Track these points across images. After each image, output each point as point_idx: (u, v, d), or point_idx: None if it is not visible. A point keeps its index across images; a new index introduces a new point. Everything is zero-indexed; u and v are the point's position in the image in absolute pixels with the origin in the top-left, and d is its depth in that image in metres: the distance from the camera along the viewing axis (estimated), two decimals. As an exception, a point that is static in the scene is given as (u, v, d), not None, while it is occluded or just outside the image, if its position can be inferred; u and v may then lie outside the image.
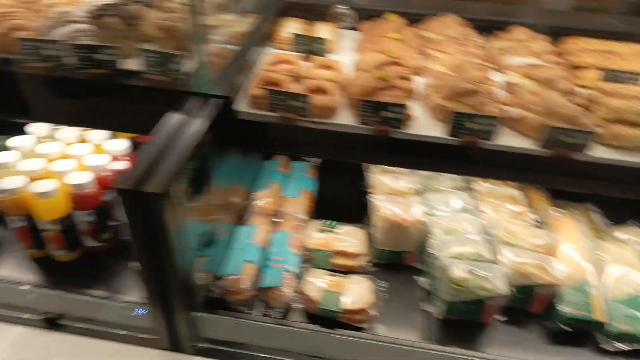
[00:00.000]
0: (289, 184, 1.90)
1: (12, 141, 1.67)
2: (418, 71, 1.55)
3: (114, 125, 1.44)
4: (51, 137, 1.75)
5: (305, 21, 1.88)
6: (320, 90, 1.39)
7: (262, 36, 1.70)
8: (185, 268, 1.18)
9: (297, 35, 1.65)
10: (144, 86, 1.32)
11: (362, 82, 1.37)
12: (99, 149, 1.70)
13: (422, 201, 1.68)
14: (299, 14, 1.93)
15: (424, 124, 1.33)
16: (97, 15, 1.33)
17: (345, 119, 1.34)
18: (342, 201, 1.93)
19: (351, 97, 1.38)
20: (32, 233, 1.57)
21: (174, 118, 1.21)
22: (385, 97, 1.33)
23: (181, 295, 1.20)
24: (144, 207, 0.96)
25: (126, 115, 1.38)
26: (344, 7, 1.94)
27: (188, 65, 1.29)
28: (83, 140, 1.76)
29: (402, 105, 1.26)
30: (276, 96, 1.30)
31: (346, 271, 1.59)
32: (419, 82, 1.49)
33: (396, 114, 1.26)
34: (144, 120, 1.34)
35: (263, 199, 1.77)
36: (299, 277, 1.54)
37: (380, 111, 1.27)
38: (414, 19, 1.84)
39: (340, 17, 1.96)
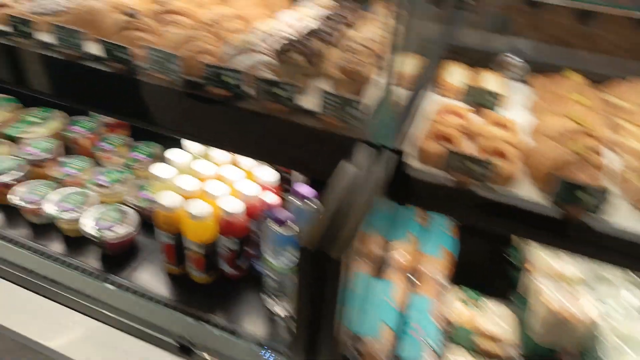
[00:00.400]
0: (427, 239, 1.78)
1: (170, 154, 1.73)
2: (609, 144, 1.37)
3: (276, 159, 1.42)
4: (205, 155, 1.78)
5: (470, 67, 1.77)
6: (498, 154, 1.26)
7: (428, 80, 1.61)
8: (336, 324, 1.10)
9: (469, 86, 1.54)
10: (314, 127, 1.27)
11: (553, 154, 1.22)
12: (249, 175, 1.70)
13: (590, 292, 1.47)
14: (463, 58, 1.82)
15: (624, 213, 1.14)
16: (282, 50, 1.31)
17: (526, 191, 1.20)
18: (483, 269, 1.76)
19: (535, 168, 1.23)
20: (176, 250, 1.60)
21: (348, 169, 1.14)
22: (580, 175, 1.17)
23: (327, 353, 1.12)
24: (322, 268, 0.90)
25: (290, 151, 1.35)
26: (515, 58, 1.79)
27: (365, 111, 1.22)
28: (234, 163, 1.77)
29: (604, 190, 1.09)
30: (455, 156, 1.19)
31: (489, 357, 1.42)
32: (610, 158, 1.30)
33: (595, 198, 1.10)
34: (309, 159, 1.29)
35: (400, 252, 1.66)
36: (439, 354, 1.39)
37: (576, 192, 1.11)
38: (594, 79, 1.64)
39: (508, 67, 1.81)
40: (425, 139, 1.29)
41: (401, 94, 1.42)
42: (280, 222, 1.47)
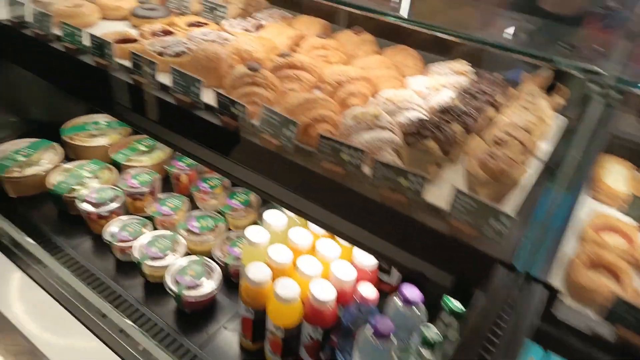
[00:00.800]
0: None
1: (267, 215, 1.58)
2: None
3: (385, 256, 1.21)
4: (304, 223, 1.62)
5: (635, 167, 1.44)
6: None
7: (582, 178, 1.32)
8: None
9: (634, 196, 1.23)
10: (438, 229, 1.05)
11: None
12: (347, 253, 1.51)
13: None
14: (627, 153, 1.49)
15: None
16: (412, 132, 1.11)
17: None
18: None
19: None
20: (254, 326, 1.44)
21: (481, 300, 0.90)
22: None
23: None
24: None
25: (402, 251, 1.13)
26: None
27: (509, 225, 0.98)
28: (332, 236, 1.59)
29: None
30: (623, 306, 0.91)
31: None
32: None
33: None
34: (423, 266, 1.07)
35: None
36: None
37: None
38: None
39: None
40: (579, 266, 1.01)
41: (552, 197, 1.16)
42: (381, 334, 1.24)
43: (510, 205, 1.08)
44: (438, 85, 1.48)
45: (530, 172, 1.15)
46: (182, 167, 2.17)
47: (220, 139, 1.38)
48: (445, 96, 1.41)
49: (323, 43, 1.71)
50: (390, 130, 1.20)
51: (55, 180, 2.05)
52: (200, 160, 1.48)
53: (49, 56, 1.76)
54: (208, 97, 1.40)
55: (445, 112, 1.20)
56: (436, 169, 1.13)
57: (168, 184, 2.22)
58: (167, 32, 1.79)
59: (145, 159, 2.24)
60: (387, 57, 1.71)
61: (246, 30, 1.86)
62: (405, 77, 1.59)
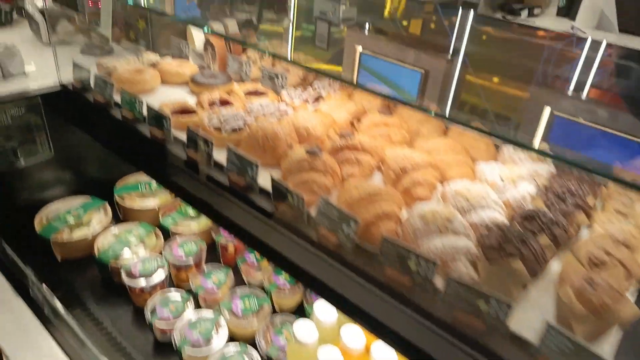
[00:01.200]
0: None
1: (317, 307, 1.45)
2: None
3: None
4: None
5: None
6: None
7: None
8: None
9: None
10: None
11: None
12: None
13: None
14: None
15: None
16: (493, 246, 0.97)
17: None
18: None
19: None
20: None
21: None
22: None
23: None
24: None
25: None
26: None
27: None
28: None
29: None
30: None
31: None
32: None
33: None
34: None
35: None
36: None
37: None
38: None
39: None
40: None
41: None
42: None
43: (608, 343, 0.90)
44: (515, 176, 1.33)
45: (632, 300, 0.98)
46: (230, 237, 2.09)
47: (272, 227, 1.28)
48: (525, 191, 1.25)
49: (384, 120, 1.61)
50: (466, 236, 1.06)
51: (102, 245, 2.01)
52: (248, 243, 1.38)
53: (107, 122, 1.75)
54: (264, 177, 1.32)
55: (530, 219, 1.05)
56: (521, 290, 0.97)
57: (214, 251, 2.14)
58: (225, 102, 1.75)
59: (194, 224, 2.18)
60: (454, 136, 1.59)
61: (305, 101, 1.80)
62: (475, 162, 1.46)
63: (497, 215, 1.16)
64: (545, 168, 1.41)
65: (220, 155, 1.41)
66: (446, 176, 1.39)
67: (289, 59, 2.01)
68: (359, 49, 1.70)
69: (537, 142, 1.17)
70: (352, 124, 1.70)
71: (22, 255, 1.87)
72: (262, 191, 1.32)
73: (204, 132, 1.50)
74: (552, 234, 1.03)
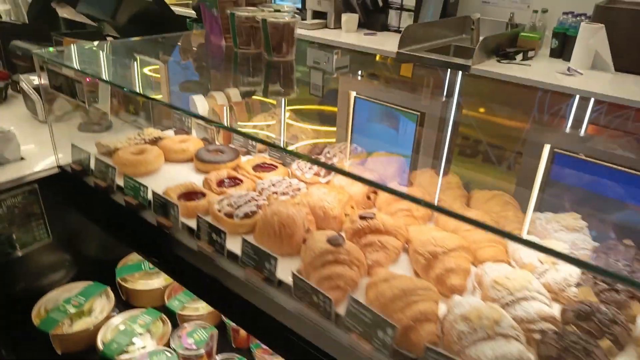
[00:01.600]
0: None
1: None
2: None
3: None
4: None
5: None
6: None
7: None
8: None
9: None
10: None
11: None
12: None
13: None
14: None
15: None
16: (550, 356, 0.86)
17: None
18: None
19: None
20: None
21: None
22: None
23: None
24: None
25: None
26: None
27: None
28: None
29: None
30: None
31: None
32: None
33: None
34: None
35: None
36: None
37: None
38: None
39: None
40: None
41: None
42: None
43: None
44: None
45: None
46: (241, 318, 1.96)
47: (294, 328, 1.16)
48: (568, 275, 1.15)
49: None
50: (517, 340, 0.95)
51: (105, 338, 1.87)
52: (270, 346, 1.26)
53: (110, 207, 1.66)
54: (281, 268, 1.21)
55: (586, 319, 0.94)
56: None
57: (224, 333, 2.00)
58: (233, 179, 1.67)
59: (202, 306, 2.05)
60: (478, 204, 1.50)
61: (316, 174, 1.71)
62: (505, 240, 1.36)
63: (545, 308, 1.05)
64: (582, 238, 1.32)
65: (233, 244, 1.31)
66: (478, 257, 1.29)
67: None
68: (353, 94, 1.67)
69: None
70: (368, 197, 1.61)
71: (19, 352, 1.74)
72: (281, 283, 1.21)
73: (215, 219, 1.40)
74: (612, 334, 0.92)
